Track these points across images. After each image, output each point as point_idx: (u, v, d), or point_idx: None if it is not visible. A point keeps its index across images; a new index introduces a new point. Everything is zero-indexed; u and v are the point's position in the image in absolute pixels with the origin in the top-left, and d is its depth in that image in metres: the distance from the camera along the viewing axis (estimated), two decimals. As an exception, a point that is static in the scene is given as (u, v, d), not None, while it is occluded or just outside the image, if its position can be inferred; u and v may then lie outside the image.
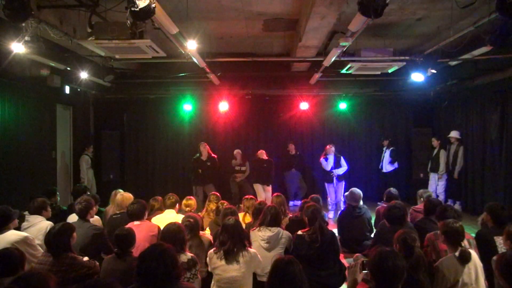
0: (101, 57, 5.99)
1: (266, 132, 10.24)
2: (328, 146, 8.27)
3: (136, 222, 3.95)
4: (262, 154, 8.49)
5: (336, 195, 8.15)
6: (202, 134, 10.08)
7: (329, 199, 8.19)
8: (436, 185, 8.63)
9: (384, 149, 9.41)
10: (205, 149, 8.39)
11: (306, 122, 10.11)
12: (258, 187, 8.43)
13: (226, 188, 8.95)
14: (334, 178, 8.08)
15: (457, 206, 8.33)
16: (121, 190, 5.06)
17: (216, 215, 4.84)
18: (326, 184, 8.21)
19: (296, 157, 9.38)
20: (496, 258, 2.65)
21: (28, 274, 2.22)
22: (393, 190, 5.35)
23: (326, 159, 8.16)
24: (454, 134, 8.52)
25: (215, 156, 8.53)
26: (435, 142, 8.76)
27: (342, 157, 8.25)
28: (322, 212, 3.93)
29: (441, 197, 8.39)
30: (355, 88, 9.30)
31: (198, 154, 8.47)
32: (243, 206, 5.22)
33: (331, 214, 8.04)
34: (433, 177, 8.74)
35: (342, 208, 7.10)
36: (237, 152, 8.93)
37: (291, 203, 9.04)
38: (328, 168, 8.11)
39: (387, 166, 9.21)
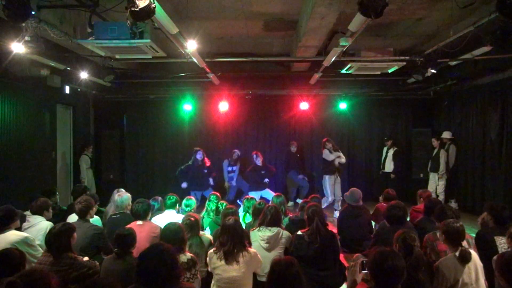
0: (101, 57, 5.98)
1: (266, 132, 10.25)
2: (325, 139, 8.35)
3: (139, 222, 3.95)
4: (259, 160, 8.52)
5: (335, 191, 8.16)
6: (202, 134, 10.10)
7: (324, 197, 8.14)
8: (436, 185, 8.65)
9: (386, 148, 9.44)
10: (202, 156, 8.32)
11: (306, 122, 10.11)
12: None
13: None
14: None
15: (453, 204, 8.39)
16: (122, 190, 5.05)
17: (216, 215, 4.84)
18: (326, 177, 8.19)
19: (297, 155, 9.40)
20: (496, 258, 2.66)
21: (31, 271, 2.23)
22: (390, 190, 5.34)
23: (329, 151, 8.21)
24: (446, 135, 8.73)
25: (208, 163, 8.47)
26: (435, 142, 8.79)
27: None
28: (322, 212, 3.93)
29: (441, 197, 8.40)
30: (355, 88, 9.30)
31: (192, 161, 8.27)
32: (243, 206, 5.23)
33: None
34: (433, 177, 8.75)
35: (341, 208, 7.15)
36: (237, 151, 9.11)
37: (290, 203, 9.04)
38: (330, 158, 8.15)
39: (389, 166, 9.24)
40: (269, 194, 8.16)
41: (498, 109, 7.34)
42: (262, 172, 8.47)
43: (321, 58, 6.61)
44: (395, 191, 5.40)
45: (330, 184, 8.16)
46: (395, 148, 9.31)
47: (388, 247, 2.52)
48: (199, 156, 8.24)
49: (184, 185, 8.04)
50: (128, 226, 3.64)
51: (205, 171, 8.23)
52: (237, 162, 9.14)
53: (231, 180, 9.05)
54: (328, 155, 8.21)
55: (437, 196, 8.34)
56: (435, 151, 8.75)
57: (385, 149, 9.53)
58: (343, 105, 9.56)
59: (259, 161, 8.53)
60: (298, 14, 5.71)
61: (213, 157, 10.06)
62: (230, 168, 9.10)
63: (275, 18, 5.90)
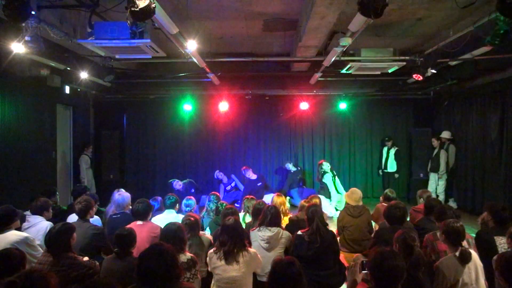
0: (101, 57, 5.98)
1: (266, 132, 10.25)
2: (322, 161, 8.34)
3: (139, 222, 3.96)
4: (250, 174, 8.48)
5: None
6: (202, 134, 10.10)
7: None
8: (436, 185, 8.66)
9: (386, 148, 9.47)
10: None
11: (306, 122, 10.12)
12: None
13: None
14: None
15: (451, 202, 8.40)
16: (122, 190, 5.05)
17: (216, 215, 4.84)
18: (322, 197, 8.13)
19: (298, 172, 9.42)
20: (496, 258, 2.66)
21: (30, 271, 2.23)
22: (389, 191, 5.35)
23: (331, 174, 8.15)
24: (445, 134, 8.76)
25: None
26: (435, 142, 8.80)
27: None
28: (322, 212, 3.93)
29: (441, 197, 8.41)
30: (355, 88, 9.30)
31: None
32: (243, 205, 5.23)
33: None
34: (433, 177, 8.76)
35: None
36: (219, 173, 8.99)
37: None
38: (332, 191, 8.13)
39: (392, 166, 9.33)
40: (270, 197, 8.18)
41: (498, 109, 7.34)
42: (259, 184, 8.45)
43: (321, 58, 6.61)
44: (397, 191, 5.41)
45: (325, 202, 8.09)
46: (396, 148, 9.39)
47: (388, 247, 2.53)
48: (177, 187, 7.95)
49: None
50: (128, 226, 3.64)
51: (192, 191, 8.08)
52: (229, 177, 9.10)
53: (236, 196, 8.75)
54: (331, 184, 8.08)
55: (437, 196, 8.36)
56: (435, 151, 8.76)
57: (385, 149, 9.56)
58: (343, 105, 9.56)
59: (249, 175, 8.50)
60: (298, 14, 5.70)
61: (213, 157, 10.10)
62: (228, 187, 9.00)
63: (275, 18, 5.89)
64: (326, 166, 8.23)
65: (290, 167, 9.39)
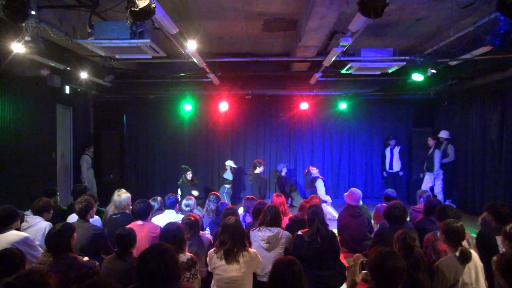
0: (101, 57, 5.98)
1: (266, 132, 10.25)
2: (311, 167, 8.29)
3: (139, 222, 3.96)
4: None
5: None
6: (202, 134, 10.11)
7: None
8: (433, 185, 8.65)
9: (389, 148, 9.48)
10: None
11: (306, 122, 10.12)
12: None
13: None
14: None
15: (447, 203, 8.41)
16: (123, 190, 5.04)
17: (216, 215, 4.84)
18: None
19: (287, 178, 9.41)
20: (496, 258, 2.66)
21: (28, 272, 2.23)
22: (390, 191, 5.35)
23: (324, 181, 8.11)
24: (442, 134, 8.75)
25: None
26: (430, 142, 8.80)
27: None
28: (322, 213, 3.93)
29: (440, 197, 8.39)
30: (355, 88, 9.31)
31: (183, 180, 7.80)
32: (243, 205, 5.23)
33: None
34: (428, 176, 8.75)
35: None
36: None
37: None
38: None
39: (397, 165, 9.39)
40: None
41: (498, 109, 7.34)
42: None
43: (321, 58, 6.61)
44: (397, 191, 5.41)
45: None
46: (400, 146, 9.43)
47: (388, 247, 2.52)
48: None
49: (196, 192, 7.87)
50: (128, 226, 3.64)
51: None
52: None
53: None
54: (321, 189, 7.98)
55: (435, 196, 8.35)
56: (430, 150, 8.76)
57: (388, 149, 9.55)
58: (343, 105, 9.56)
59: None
60: (298, 14, 5.71)
61: (213, 157, 10.11)
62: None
63: (275, 18, 5.90)
64: (315, 171, 8.20)
65: (284, 171, 9.28)
